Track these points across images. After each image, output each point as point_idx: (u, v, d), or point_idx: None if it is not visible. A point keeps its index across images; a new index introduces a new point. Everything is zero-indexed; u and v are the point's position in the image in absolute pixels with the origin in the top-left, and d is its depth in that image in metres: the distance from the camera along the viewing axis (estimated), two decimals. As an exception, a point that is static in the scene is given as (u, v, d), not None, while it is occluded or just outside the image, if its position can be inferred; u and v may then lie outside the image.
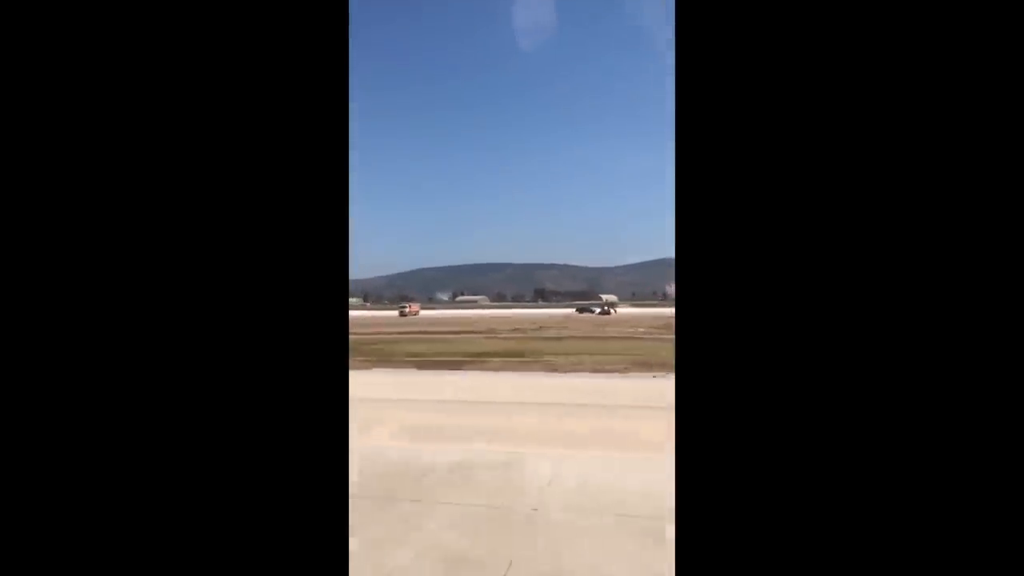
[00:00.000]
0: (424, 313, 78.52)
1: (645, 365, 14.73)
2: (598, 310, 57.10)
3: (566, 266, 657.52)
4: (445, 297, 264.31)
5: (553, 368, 14.54)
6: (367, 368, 14.95)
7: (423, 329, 35.58)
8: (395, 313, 70.16)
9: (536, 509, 4.47)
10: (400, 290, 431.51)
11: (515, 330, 33.78)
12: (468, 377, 13.09)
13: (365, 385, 11.38)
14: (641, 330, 30.11)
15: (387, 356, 18.27)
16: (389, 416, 8.22)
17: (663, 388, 10.72)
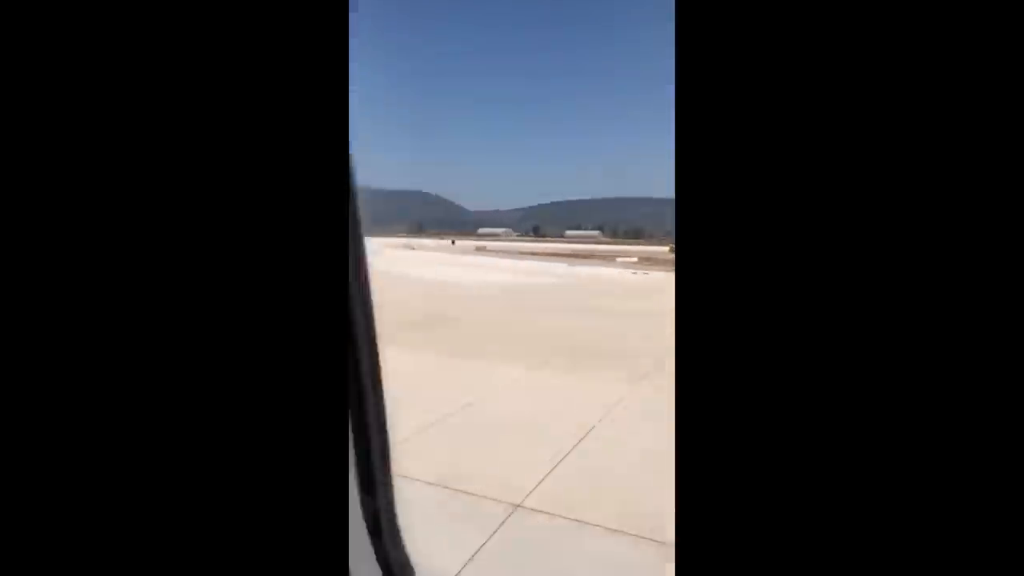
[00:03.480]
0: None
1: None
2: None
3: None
4: (595, 232, 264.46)
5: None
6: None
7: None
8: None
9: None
10: (541, 223, 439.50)
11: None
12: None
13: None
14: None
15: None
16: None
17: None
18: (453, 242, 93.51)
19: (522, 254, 47.76)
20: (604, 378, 7.24)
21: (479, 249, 60.14)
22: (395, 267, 27.82)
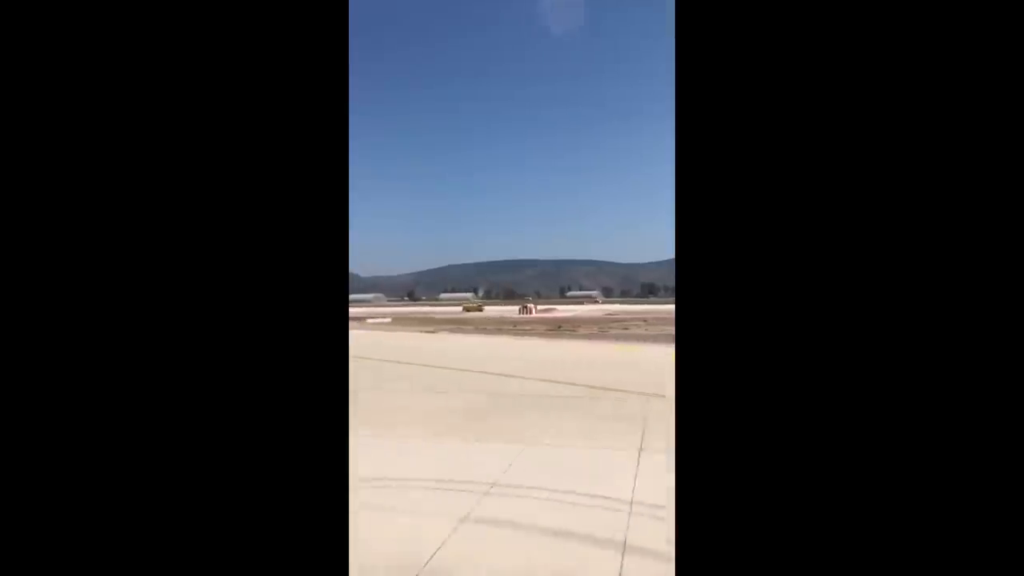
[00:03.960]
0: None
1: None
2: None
3: (598, 262, 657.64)
4: (468, 295, 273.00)
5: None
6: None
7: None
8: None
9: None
10: (428, 287, 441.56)
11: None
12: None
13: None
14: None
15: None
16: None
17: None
18: None
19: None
20: None
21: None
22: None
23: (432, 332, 28.86)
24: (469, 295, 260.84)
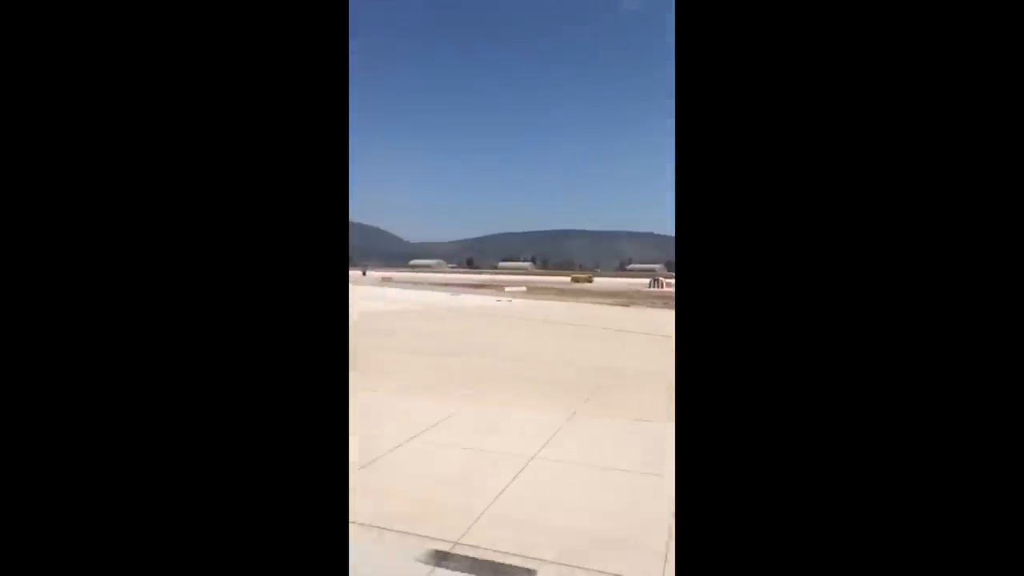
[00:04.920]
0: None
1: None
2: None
3: (646, 234, 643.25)
4: (527, 264, 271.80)
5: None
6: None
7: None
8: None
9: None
10: (478, 255, 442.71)
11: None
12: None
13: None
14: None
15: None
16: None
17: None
18: (364, 272, 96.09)
19: (432, 285, 48.23)
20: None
21: (385, 280, 60.80)
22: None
23: (626, 306, 27.03)
24: (527, 264, 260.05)
